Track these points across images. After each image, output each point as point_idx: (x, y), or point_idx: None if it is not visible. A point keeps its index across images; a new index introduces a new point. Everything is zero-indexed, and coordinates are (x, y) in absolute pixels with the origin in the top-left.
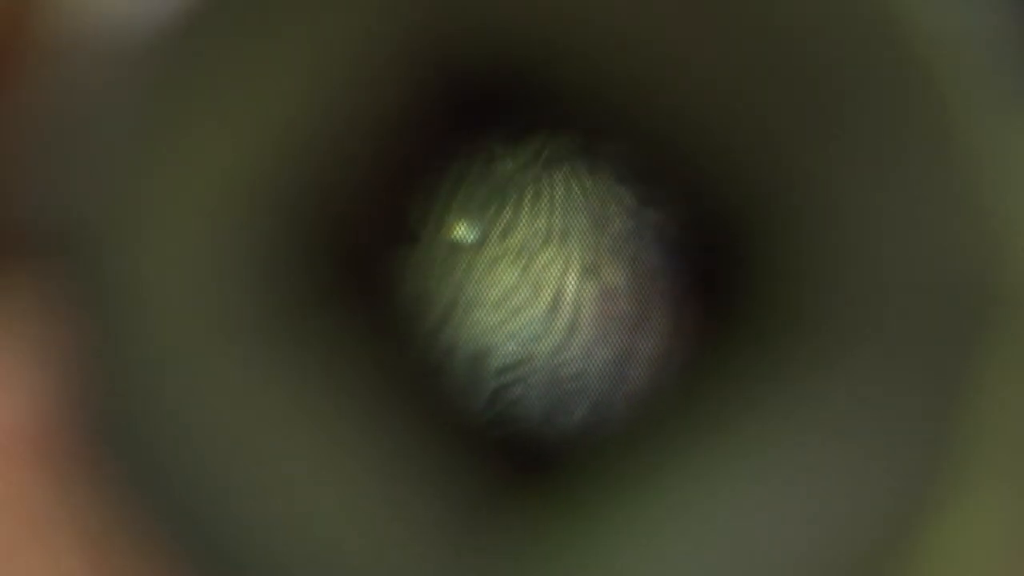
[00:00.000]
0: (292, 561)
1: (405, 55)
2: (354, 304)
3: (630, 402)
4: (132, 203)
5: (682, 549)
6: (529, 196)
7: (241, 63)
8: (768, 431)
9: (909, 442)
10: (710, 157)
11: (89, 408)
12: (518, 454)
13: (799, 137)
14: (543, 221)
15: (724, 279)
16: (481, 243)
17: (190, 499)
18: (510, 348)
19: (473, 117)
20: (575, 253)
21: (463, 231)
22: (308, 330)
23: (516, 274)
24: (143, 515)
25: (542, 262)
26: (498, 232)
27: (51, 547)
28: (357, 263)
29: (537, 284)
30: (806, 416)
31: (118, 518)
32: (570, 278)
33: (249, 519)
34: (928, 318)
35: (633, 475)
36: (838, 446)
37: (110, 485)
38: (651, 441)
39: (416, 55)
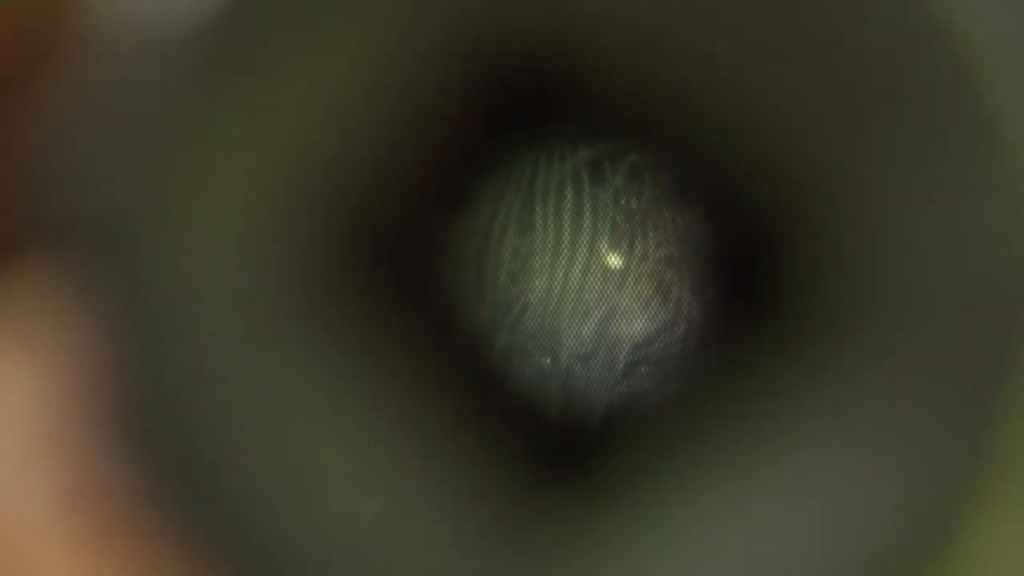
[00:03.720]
0: (329, 559)
1: (444, 49)
2: (391, 299)
3: (661, 404)
4: (169, 197)
5: (713, 551)
6: (566, 193)
7: (278, 56)
8: (800, 436)
9: (940, 449)
10: (748, 159)
11: (121, 402)
12: (551, 452)
13: (837, 139)
14: (580, 218)
15: (758, 282)
16: (519, 238)
17: (224, 496)
18: (545, 346)
19: (511, 112)
20: (609, 251)
21: (502, 227)
22: (345, 325)
23: (551, 272)
24: (177, 514)
25: (578, 261)
26: (537, 228)
27: (72, 533)
28: (395, 256)
29: (570, 284)
30: (838, 421)
31: (153, 518)
32: (604, 277)
33: (285, 517)
34: (963, 323)
35: (664, 477)
36: (869, 452)
37: (143, 482)
38: (682, 443)
39: (456, 49)
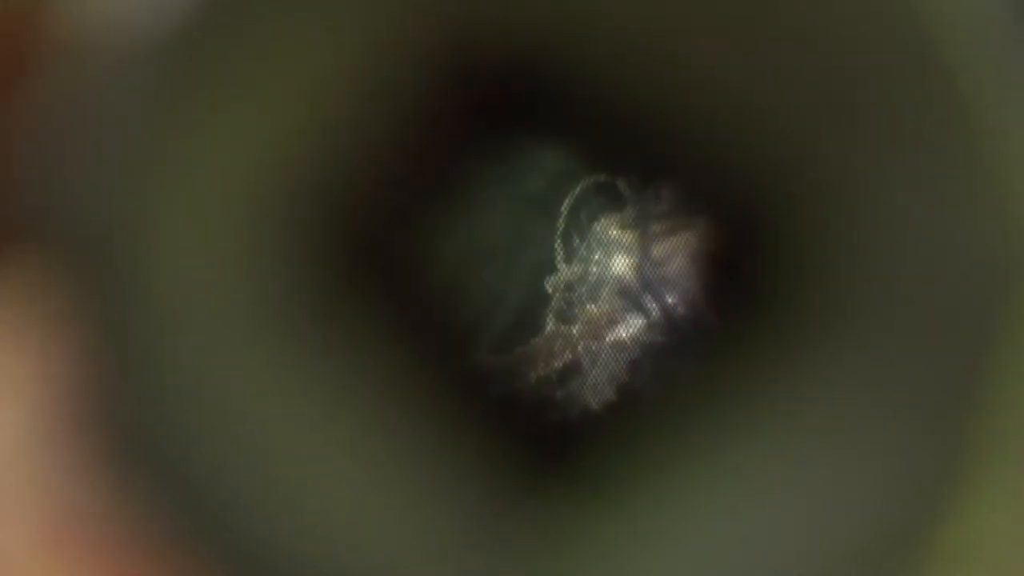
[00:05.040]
0: (326, 560)
1: (427, 47)
2: (379, 296)
3: (651, 401)
4: (151, 198)
5: (702, 546)
6: (555, 191)
7: (258, 56)
8: (787, 430)
9: (926, 439)
10: (732, 153)
11: (102, 407)
12: (541, 443)
13: (818, 127)
14: (570, 215)
15: (746, 277)
16: (509, 236)
17: (217, 498)
18: (535, 338)
19: (497, 109)
20: (600, 244)
21: (491, 224)
22: (334, 324)
23: (540, 269)
24: (161, 515)
25: (569, 259)
26: (524, 222)
27: (63, 549)
28: (380, 254)
29: (561, 282)
30: (824, 414)
31: (134, 519)
32: (595, 274)
33: (280, 519)
34: (946, 314)
35: (655, 468)
36: (856, 444)
37: (127, 486)
38: (671, 440)
39: (440, 46)
